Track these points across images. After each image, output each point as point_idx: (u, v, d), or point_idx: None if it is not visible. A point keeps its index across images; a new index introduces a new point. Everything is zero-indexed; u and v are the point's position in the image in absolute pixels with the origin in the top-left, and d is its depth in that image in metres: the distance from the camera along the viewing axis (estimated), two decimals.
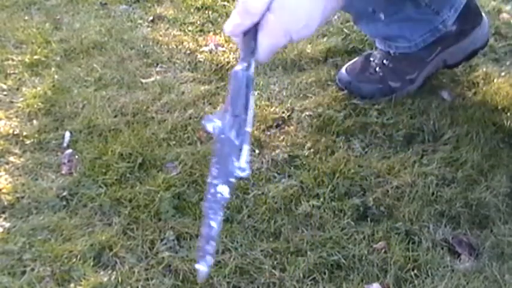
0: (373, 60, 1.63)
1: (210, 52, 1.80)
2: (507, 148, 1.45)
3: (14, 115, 1.55)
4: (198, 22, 1.97)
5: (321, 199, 1.30)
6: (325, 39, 1.85)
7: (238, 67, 0.87)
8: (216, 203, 0.80)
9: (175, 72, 1.72)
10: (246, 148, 0.82)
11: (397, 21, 1.55)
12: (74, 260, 1.17)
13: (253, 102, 0.86)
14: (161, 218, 1.26)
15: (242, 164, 0.81)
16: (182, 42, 1.85)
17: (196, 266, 0.78)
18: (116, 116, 1.54)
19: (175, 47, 1.84)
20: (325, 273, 1.15)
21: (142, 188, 1.32)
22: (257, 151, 1.43)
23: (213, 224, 0.79)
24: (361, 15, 1.61)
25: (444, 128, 1.50)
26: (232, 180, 0.81)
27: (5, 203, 1.29)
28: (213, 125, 0.83)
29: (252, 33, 0.94)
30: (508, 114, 1.55)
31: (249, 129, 0.83)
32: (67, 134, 1.48)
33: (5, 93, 1.63)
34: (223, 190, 0.80)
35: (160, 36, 1.89)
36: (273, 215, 1.27)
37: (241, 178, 0.82)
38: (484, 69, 1.71)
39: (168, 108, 1.57)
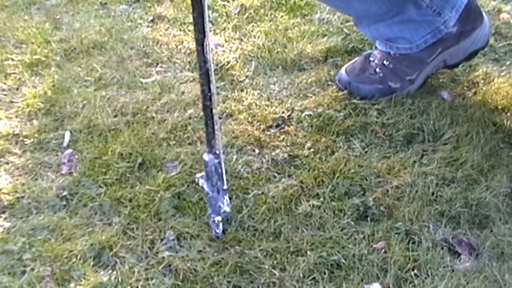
0: (373, 61, 1.63)
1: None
2: (507, 148, 1.45)
3: (14, 115, 1.55)
4: None
5: (321, 199, 1.30)
6: (325, 39, 1.85)
7: (208, 157, 1.16)
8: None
9: (175, 72, 1.72)
10: (226, 197, 1.19)
11: (398, 23, 1.55)
12: (74, 260, 1.17)
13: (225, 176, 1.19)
14: (161, 217, 1.26)
15: (225, 207, 1.20)
16: (182, 42, 1.85)
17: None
18: (116, 116, 1.54)
19: (175, 47, 1.83)
20: (325, 273, 1.16)
21: (142, 188, 1.32)
22: (257, 151, 1.43)
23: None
24: (362, 17, 1.61)
25: (444, 128, 1.49)
26: (219, 218, 1.21)
27: (5, 203, 1.29)
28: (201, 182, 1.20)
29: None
30: (508, 114, 1.55)
31: (225, 187, 1.18)
32: (67, 134, 1.48)
33: (5, 93, 1.63)
34: (218, 218, 1.21)
35: (160, 36, 1.89)
36: (273, 215, 1.27)
37: (225, 212, 1.20)
38: (484, 69, 1.71)
39: (168, 108, 1.57)
